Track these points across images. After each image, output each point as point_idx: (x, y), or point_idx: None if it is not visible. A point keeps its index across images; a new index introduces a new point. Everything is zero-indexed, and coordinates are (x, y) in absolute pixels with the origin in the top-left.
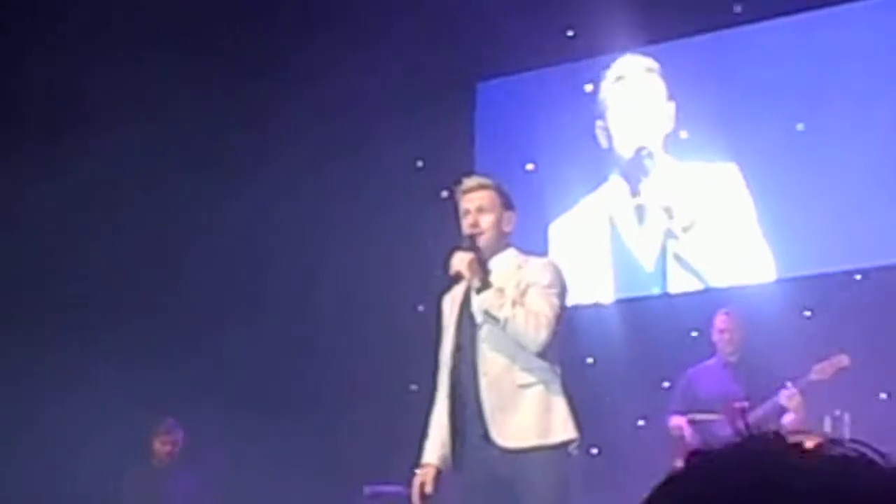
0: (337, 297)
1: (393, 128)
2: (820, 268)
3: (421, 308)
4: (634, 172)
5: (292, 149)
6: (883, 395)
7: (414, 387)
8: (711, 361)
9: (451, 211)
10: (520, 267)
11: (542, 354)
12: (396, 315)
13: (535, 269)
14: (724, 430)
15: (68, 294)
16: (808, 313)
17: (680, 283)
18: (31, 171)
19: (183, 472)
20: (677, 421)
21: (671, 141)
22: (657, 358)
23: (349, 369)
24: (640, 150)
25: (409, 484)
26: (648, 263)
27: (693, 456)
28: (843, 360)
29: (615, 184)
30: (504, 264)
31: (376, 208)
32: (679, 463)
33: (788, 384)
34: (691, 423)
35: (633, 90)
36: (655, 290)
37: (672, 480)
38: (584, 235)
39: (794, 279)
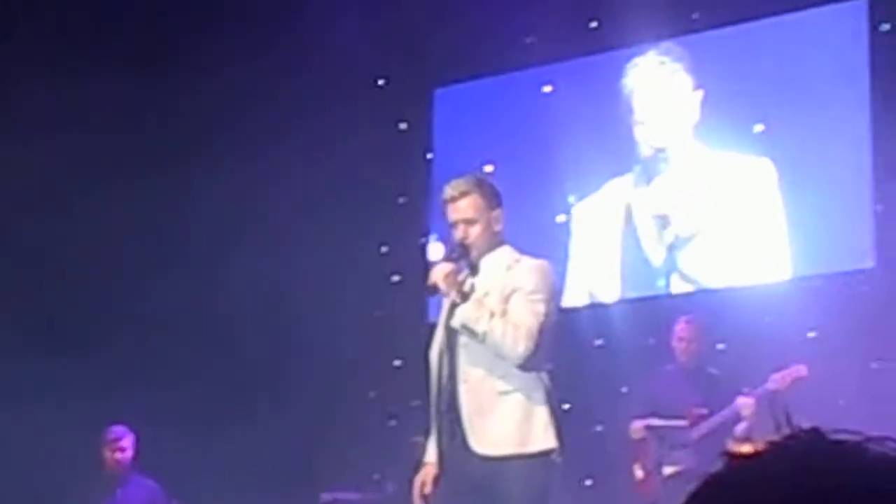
0: (293, 304)
1: (354, 132)
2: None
3: (378, 313)
4: (653, 167)
5: (253, 153)
6: (841, 402)
7: (372, 394)
8: (669, 367)
9: (408, 216)
10: (509, 268)
11: (523, 366)
12: (352, 321)
13: (524, 273)
14: (684, 437)
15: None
16: (767, 319)
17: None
18: None
19: (138, 477)
20: (637, 425)
21: (700, 130)
22: (615, 363)
23: (309, 375)
24: (660, 146)
25: (365, 490)
26: (656, 261)
27: (732, 458)
28: (801, 370)
29: (637, 175)
30: (494, 264)
31: (337, 215)
32: (638, 469)
33: (745, 392)
34: (650, 428)
35: (655, 84)
36: (661, 287)
37: (710, 486)
38: (603, 222)
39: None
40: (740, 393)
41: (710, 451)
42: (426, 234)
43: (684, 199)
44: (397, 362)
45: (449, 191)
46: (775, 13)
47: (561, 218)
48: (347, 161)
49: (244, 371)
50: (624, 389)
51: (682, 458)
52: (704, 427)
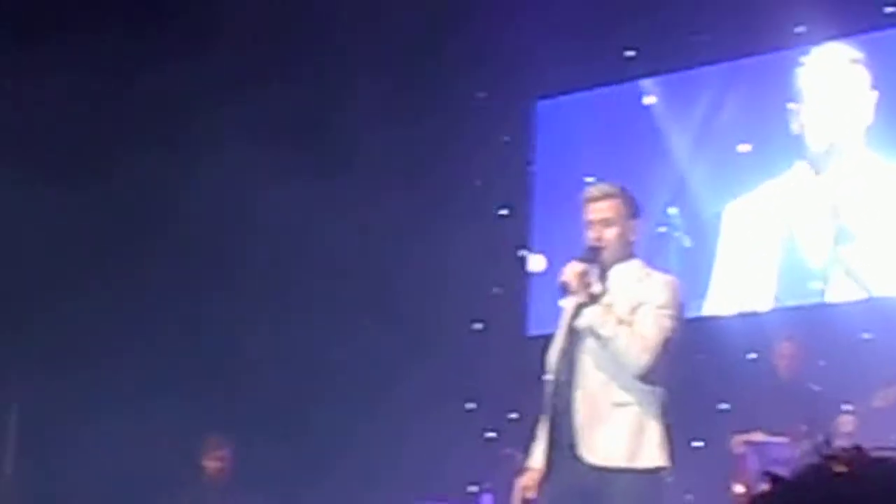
0: (391, 315)
1: (457, 144)
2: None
3: (477, 325)
4: (822, 164)
5: (353, 164)
6: None
7: (470, 405)
8: (771, 383)
9: (509, 228)
10: (640, 280)
11: (642, 377)
12: (451, 332)
13: (654, 287)
14: (784, 453)
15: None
16: (867, 336)
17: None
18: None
19: (239, 492)
20: (738, 441)
21: (872, 133)
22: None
23: (408, 385)
24: (832, 143)
25: (461, 501)
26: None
27: (775, 480)
28: None
29: (799, 172)
30: (625, 275)
31: (436, 226)
32: (737, 485)
33: (847, 410)
34: (750, 444)
35: (832, 80)
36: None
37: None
38: (757, 225)
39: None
40: (842, 410)
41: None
42: (526, 247)
43: (851, 200)
44: (495, 374)
45: (591, 191)
46: None
47: (661, 229)
48: (450, 173)
49: (341, 381)
50: (725, 405)
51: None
52: (806, 444)
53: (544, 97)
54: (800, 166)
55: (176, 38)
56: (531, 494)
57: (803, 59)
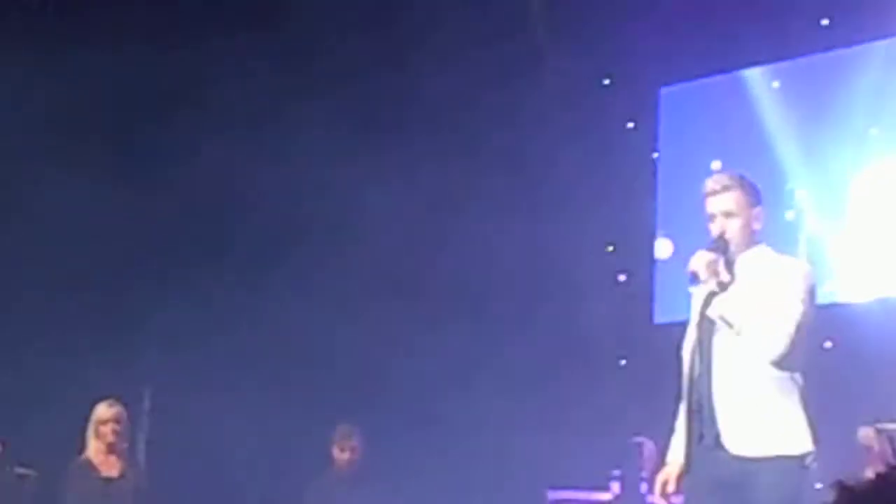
0: (523, 303)
1: (582, 131)
2: None
3: (604, 312)
4: None
5: (486, 152)
6: None
7: (598, 393)
8: None
9: (635, 215)
10: (768, 266)
11: (778, 364)
12: (579, 319)
13: (783, 272)
14: None
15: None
16: None
17: None
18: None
19: (369, 482)
20: (866, 430)
21: None
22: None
23: (536, 372)
24: None
25: (591, 489)
26: None
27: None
28: None
29: None
30: (753, 262)
31: (563, 214)
32: (870, 473)
33: None
34: (880, 431)
35: None
36: None
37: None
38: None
39: None
40: None
41: None
42: (653, 234)
43: None
44: (622, 362)
45: (710, 184)
46: None
47: (790, 215)
48: (576, 160)
49: (475, 372)
50: (854, 392)
51: None
52: None
53: (667, 84)
54: None
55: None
56: (671, 488)
57: None
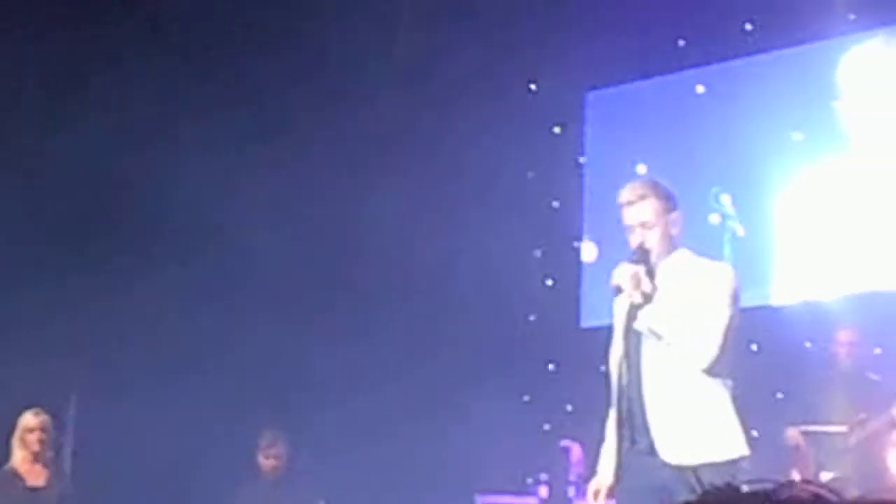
0: (448, 309)
1: (508, 136)
2: None
3: (532, 317)
4: (868, 154)
5: (411, 159)
6: None
7: (526, 397)
8: (828, 373)
9: (562, 219)
10: (691, 272)
11: (709, 371)
12: (506, 324)
13: (707, 276)
14: (842, 442)
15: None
16: None
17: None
18: None
19: (294, 488)
20: (792, 432)
21: None
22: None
23: (464, 378)
24: (879, 133)
25: (519, 493)
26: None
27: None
28: None
29: (848, 161)
30: (673, 268)
31: (488, 218)
32: (795, 474)
33: None
34: (806, 434)
35: (878, 71)
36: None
37: None
38: (813, 214)
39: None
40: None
41: (869, 457)
42: (579, 238)
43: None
44: (551, 366)
45: (625, 194)
46: None
47: (714, 218)
48: (502, 165)
49: (400, 375)
50: (780, 395)
51: (840, 465)
52: (862, 433)
53: (594, 88)
54: (848, 155)
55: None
56: (602, 498)
57: (850, 48)
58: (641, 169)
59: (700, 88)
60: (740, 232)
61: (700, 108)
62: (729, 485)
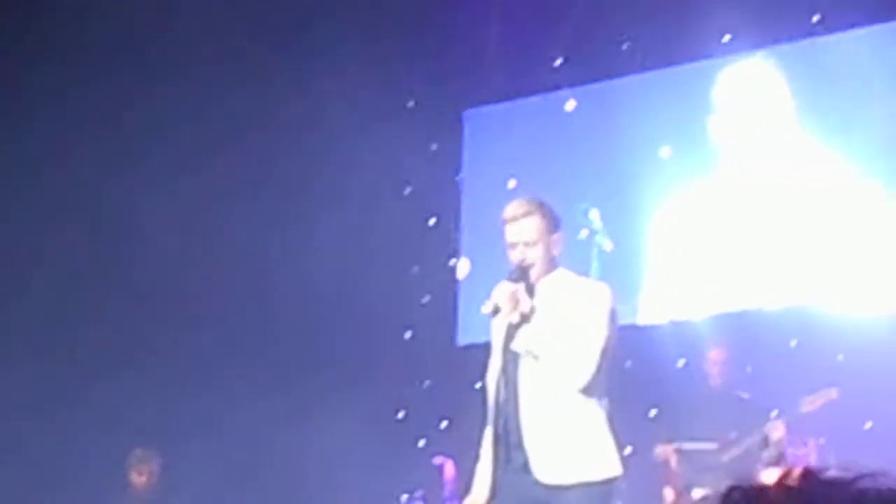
0: (324, 325)
1: (382, 155)
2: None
3: (408, 335)
4: (740, 171)
5: (279, 168)
6: (868, 425)
7: (401, 414)
8: (700, 391)
9: (438, 237)
10: (568, 291)
11: (585, 391)
12: (382, 341)
13: (585, 295)
14: (713, 460)
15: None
16: (793, 343)
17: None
18: None
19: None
20: (664, 449)
21: (788, 138)
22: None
23: (340, 395)
24: (749, 150)
25: None
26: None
27: (732, 490)
28: (832, 392)
29: (718, 178)
30: (552, 287)
31: (365, 235)
32: (668, 491)
33: (774, 416)
34: (679, 451)
35: (748, 89)
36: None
37: None
38: (684, 232)
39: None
40: (769, 416)
41: (740, 475)
42: (456, 256)
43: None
44: (426, 383)
45: (510, 210)
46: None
47: (583, 233)
48: (379, 182)
49: (274, 392)
50: (653, 413)
51: (711, 481)
52: (734, 450)
53: (471, 106)
54: (719, 172)
55: None
56: None
57: (723, 68)
58: (511, 184)
59: (570, 105)
60: (607, 247)
61: (572, 126)
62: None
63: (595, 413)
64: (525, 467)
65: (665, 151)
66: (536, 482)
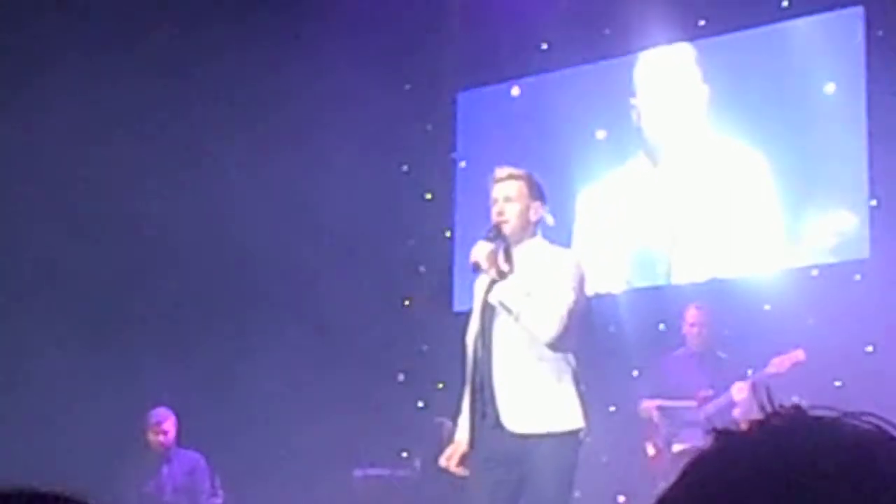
0: (326, 294)
1: (384, 132)
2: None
3: (407, 302)
4: (658, 155)
5: (281, 149)
6: (837, 384)
7: (401, 377)
8: (680, 352)
9: (434, 211)
10: (543, 256)
11: (553, 346)
12: (382, 308)
13: (556, 261)
14: (692, 416)
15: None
16: (767, 307)
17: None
18: None
19: (181, 450)
20: (647, 406)
21: (703, 124)
22: (627, 348)
23: (343, 360)
24: (667, 135)
25: (395, 467)
26: (660, 250)
27: (720, 434)
28: (799, 354)
29: (639, 162)
30: (529, 252)
31: (366, 209)
32: (649, 446)
33: (744, 378)
34: (660, 409)
35: (665, 75)
36: (663, 277)
37: (701, 461)
38: (606, 210)
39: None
40: (745, 375)
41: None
42: (451, 228)
43: (686, 190)
44: (424, 347)
45: (498, 172)
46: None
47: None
48: (379, 160)
49: (281, 354)
50: (635, 373)
51: (690, 436)
52: (711, 407)
53: (465, 89)
54: (641, 156)
55: None
56: (454, 464)
57: (642, 58)
58: (462, 165)
59: (515, 91)
60: (550, 222)
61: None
62: (798, 407)
63: (562, 368)
64: (497, 421)
65: (600, 133)
66: (507, 433)
